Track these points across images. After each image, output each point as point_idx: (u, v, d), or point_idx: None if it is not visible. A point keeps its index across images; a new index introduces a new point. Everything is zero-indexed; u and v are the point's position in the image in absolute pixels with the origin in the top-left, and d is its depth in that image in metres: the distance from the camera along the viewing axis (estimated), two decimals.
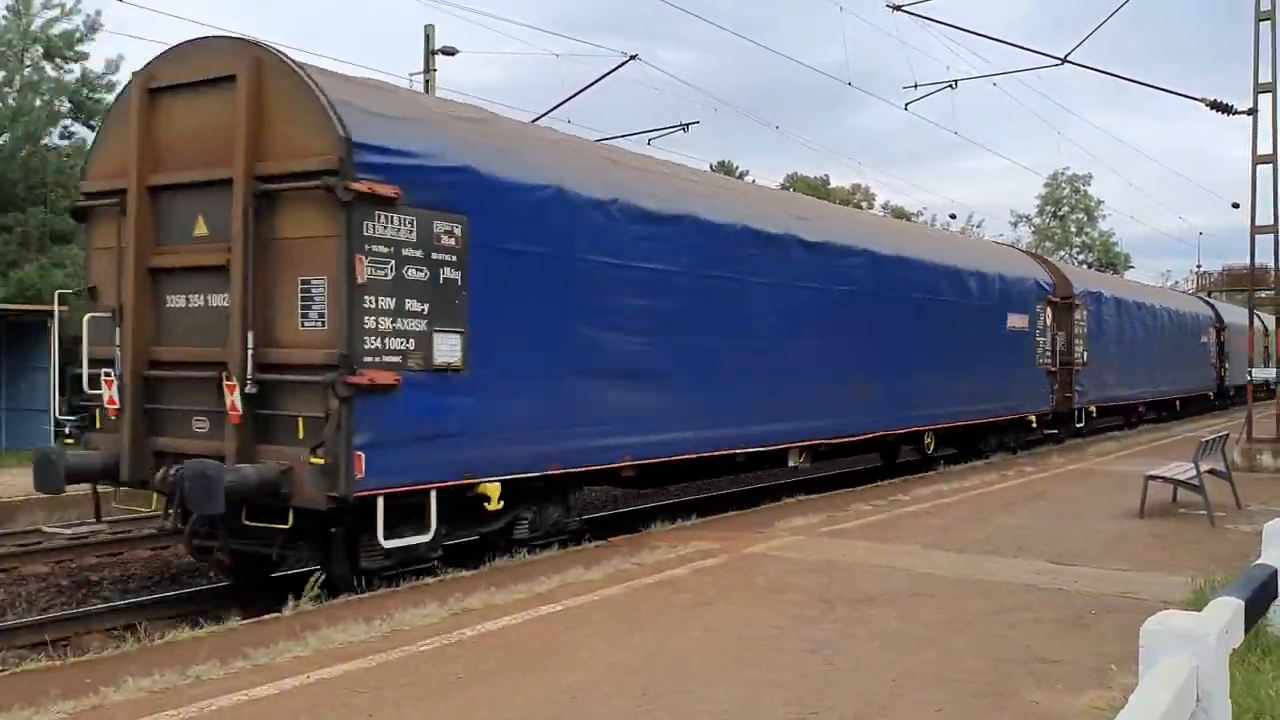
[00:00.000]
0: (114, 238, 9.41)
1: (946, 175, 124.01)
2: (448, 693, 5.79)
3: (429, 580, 8.68)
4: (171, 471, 8.47)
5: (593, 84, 26.18)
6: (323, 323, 8.26)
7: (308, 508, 8.24)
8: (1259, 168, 18.39)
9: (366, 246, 8.22)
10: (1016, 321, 20.75)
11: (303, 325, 8.37)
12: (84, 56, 24.80)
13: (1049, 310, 22.28)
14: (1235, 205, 63.21)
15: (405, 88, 14.52)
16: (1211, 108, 19.15)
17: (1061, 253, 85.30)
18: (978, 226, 79.24)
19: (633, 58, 25.55)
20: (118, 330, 9.19)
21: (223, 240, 8.63)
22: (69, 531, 11.47)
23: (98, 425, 9.55)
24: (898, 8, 21.47)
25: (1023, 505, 13.58)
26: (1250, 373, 19.70)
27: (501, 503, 9.37)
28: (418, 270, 8.66)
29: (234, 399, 8.29)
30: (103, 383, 9.27)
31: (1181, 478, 12.55)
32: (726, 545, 10.28)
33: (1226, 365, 36.38)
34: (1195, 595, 7.55)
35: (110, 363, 9.24)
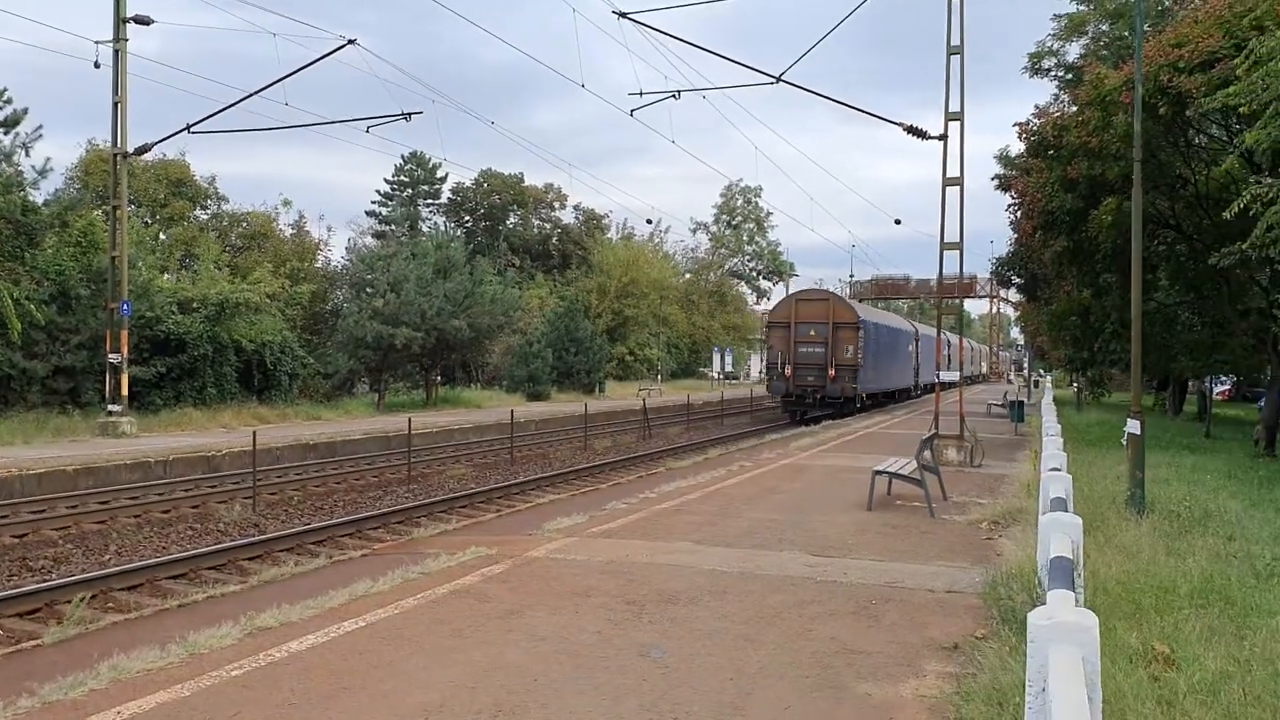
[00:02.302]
0: (780, 333, 38.30)
1: (656, 179, 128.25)
2: None
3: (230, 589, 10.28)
4: (809, 389, 37.51)
5: (309, 65, 25.58)
6: (853, 355, 37.33)
7: (847, 396, 37.45)
8: (948, 189, 20.27)
9: (859, 336, 37.39)
10: (909, 349, 49.99)
11: (845, 356, 37.32)
12: None
13: (913, 343, 51.36)
14: (898, 221, 70.58)
15: (861, 303, 51.05)
16: (909, 132, 20.58)
17: (735, 260, 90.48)
18: (665, 231, 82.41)
19: (351, 42, 25.03)
20: (789, 355, 37.83)
21: (821, 336, 37.50)
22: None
23: (771, 379, 38.72)
24: (623, 15, 21.83)
25: (761, 499, 14.21)
26: (939, 375, 21.83)
27: (867, 399, 39.57)
28: (861, 343, 37.57)
29: (831, 372, 37.12)
30: (785, 367, 37.68)
31: (905, 473, 13.73)
32: (504, 549, 10.18)
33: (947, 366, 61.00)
34: (990, 587, 8.29)
35: (780, 363, 38.16)
